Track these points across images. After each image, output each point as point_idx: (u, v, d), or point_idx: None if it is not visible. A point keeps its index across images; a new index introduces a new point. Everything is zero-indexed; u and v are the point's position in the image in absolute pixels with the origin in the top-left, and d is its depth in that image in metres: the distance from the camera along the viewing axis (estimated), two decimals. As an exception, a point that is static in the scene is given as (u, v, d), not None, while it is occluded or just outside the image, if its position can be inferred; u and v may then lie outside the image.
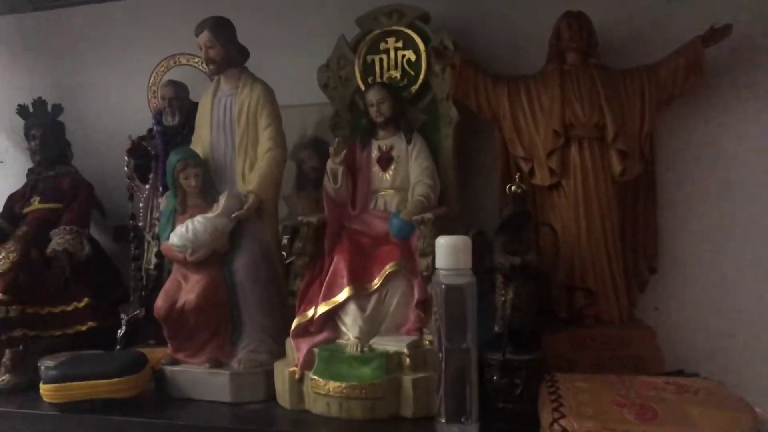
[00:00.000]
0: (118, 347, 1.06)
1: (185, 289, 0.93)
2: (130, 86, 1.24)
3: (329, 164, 0.96)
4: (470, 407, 0.74)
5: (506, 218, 0.86)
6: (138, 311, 1.07)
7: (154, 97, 1.18)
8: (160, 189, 1.10)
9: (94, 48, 1.28)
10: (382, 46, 1.04)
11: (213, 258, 0.93)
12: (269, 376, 0.90)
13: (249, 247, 0.94)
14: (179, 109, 1.11)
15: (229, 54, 0.96)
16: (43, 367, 0.97)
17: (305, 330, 0.89)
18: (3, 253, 1.08)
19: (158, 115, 1.12)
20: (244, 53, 0.98)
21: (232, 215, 0.92)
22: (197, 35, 0.95)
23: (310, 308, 0.89)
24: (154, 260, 1.10)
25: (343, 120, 1.05)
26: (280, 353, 0.93)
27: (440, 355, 0.73)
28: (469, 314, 0.74)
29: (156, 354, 0.97)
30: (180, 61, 1.16)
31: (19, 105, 1.17)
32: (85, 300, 1.10)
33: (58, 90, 1.25)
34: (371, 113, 0.97)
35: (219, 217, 0.92)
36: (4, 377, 0.97)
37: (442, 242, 0.74)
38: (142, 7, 1.25)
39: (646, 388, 0.73)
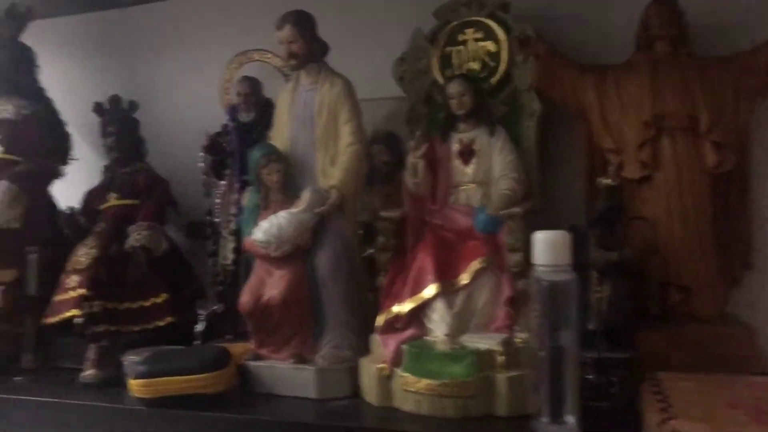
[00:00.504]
0: (197, 342, 1.07)
1: (269, 284, 0.93)
2: (202, 83, 1.24)
3: (410, 158, 0.94)
4: (570, 407, 0.72)
5: (600, 212, 0.83)
6: (216, 306, 1.08)
7: (227, 94, 1.18)
8: (236, 185, 1.10)
9: (166, 45, 1.29)
10: (461, 37, 1.02)
11: (296, 253, 0.93)
12: (353, 372, 0.89)
13: (331, 243, 0.93)
14: (254, 105, 1.11)
15: (310, 48, 0.95)
16: (128, 363, 0.98)
17: (391, 326, 0.88)
18: (83, 249, 1.10)
19: (233, 112, 1.12)
20: (325, 48, 0.97)
21: (315, 211, 0.92)
22: (279, 29, 0.94)
23: (395, 304, 0.88)
24: (231, 256, 1.10)
25: (419, 113, 1.04)
26: (363, 349, 0.92)
27: (541, 353, 0.72)
28: (571, 311, 0.72)
29: (236, 349, 0.97)
30: (253, 57, 1.16)
31: (95, 103, 1.19)
32: (163, 295, 1.11)
33: (131, 87, 1.26)
34: (452, 106, 0.95)
35: (303, 213, 0.92)
36: (89, 372, 0.98)
37: (541, 237, 0.72)
38: (213, 4, 1.25)
39: (759, 389, 0.71)
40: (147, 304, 1.11)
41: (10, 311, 1.07)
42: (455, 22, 1.02)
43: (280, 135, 0.99)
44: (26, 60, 1.20)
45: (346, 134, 0.94)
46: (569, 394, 0.72)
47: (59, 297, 1.07)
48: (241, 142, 1.10)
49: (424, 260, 0.88)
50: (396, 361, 0.84)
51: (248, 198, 0.98)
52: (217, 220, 1.12)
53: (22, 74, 1.19)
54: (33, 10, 1.20)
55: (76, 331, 1.00)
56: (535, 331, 0.73)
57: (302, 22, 0.94)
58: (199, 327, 1.08)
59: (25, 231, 1.12)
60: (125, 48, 1.32)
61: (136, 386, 0.88)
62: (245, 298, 0.92)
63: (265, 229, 0.92)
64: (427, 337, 0.86)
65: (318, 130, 0.95)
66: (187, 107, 1.27)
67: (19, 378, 1.03)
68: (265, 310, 0.92)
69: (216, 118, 1.19)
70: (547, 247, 0.72)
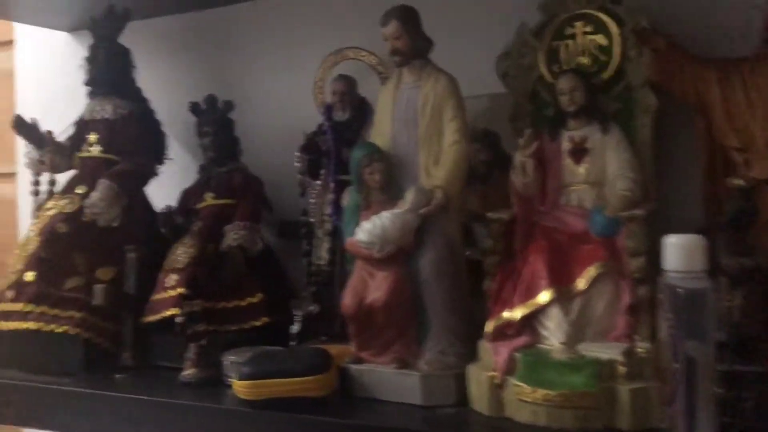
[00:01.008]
0: (292, 343, 1.06)
1: (372, 286, 0.91)
2: (295, 82, 1.23)
3: (518, 157, 0.91)
4: (704, 423, 0.67)
5: (732, 215, 0.78)
6: (312, 307, 1.06)
7: (321, 93, 1.17)
8: (331, 185, 1.08)
9: (260, 44, 1.29)
10: (568, 31, 0.97)
11: (399, 255, 0.90)
12: (460, 379, 0.86)
13: (435, 244, 0.90)
14: (350, 104, 1.09)
15: (415, 45, 0.93)
16: (228, 363, 0.98)
17: (502, 333, 0.84)
18: (181, 249, 1.11)
19: (328, 111, 1.11)
20: (429, 44, 0.94)
21: (420, 211, 0.89)
22: (383, 25, 0.92)
23: (505, 310, 0.85)
24: (326, 256, 1.09)
25: (523, 111, 1.00)
26: (468, 355, 0.89)
27: (675, 366, 0.67)
28: (707, 321, 0.67)
29: (334, 351, 0.95)
30: (347, 56, 1.14)
31: (191, 102, 1.19)
32: (259, 295, 1.11)
33: (225, 87, 1.26)
34: (562, 102, 0.91)
35: (407, 213, 0.89)
36: (189, 371, 0.98)
37: (674, 241, 0.68)
38: (306, 2, 1.24)
39: None
40: (243, 303, 1.10)
41: (110, 309, 1.08)
42: (563, 16, 0.98)
43: (381, 134, 0.96)
44: (124, 61, 1.21)
45: (450, 132, 0.91)
46: (704, 409, 0.67)
47: (158, 296, 1.08)
48: (337, 142, 1.09)
49: (536, 264, 0.84)
50: (508, 369, 0.81)
51: (349, 198, 0.96)
52: (311, 220, 1.11)
53: (120, 75, 1.20)
54: (131, 11, 1.22)
55: (176, 330, 1.00)
56: (667, 342, 0.68)
57: (407, 18, 0.92)
58: (295, 328, 1.07)
59: (124, 230, 1.13)
60: (219, 47, 1.33)
61: (240, 387, 0.87)
62: (348, 300, 0.90)
63: (368, 230, 0.90)
64: (542, 345, 0.82)
65: (421, 129, 0.92)
66: (280, 106, 1.27)
67: (120, 375, 1.04)
68: (368, 313, 0.90)
69: (309, 117, 1.18)
70: (681, 252, 0.67)
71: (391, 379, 0.88)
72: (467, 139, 0.92)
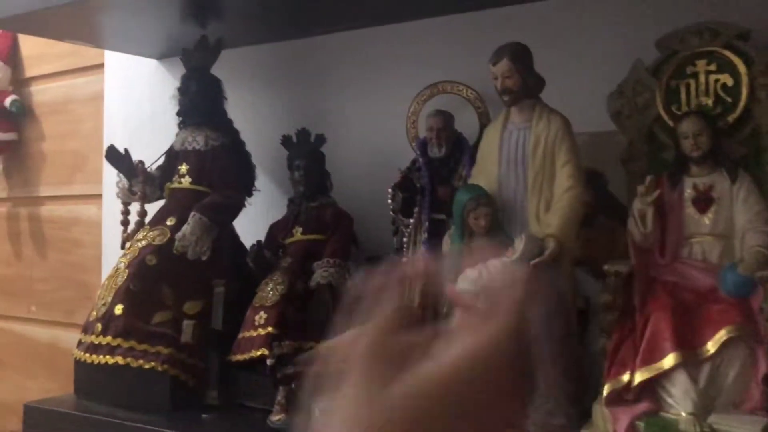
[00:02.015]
0: (381, 389, 1.01)
1: (475, 339, 0.85)
2: (386, 115, 1.20)
3: (636, 204, 0.84)
4: None
5: None
6: (404, 352, 1.02)
7: (414, 127, 1.13)
8: (425, 224, 1.04)
9: (349, 75, 1.26)
10: (690, 69, 0.91)
11: (504, 307, 0.85)
12: (570, 443, 0.81)
13: (544, 297, 0.85)
14: (446, 140, 1.05)
15: (526, 84, 0.88)
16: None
17: (619, 397, 0.78)
18: (271, 285, 1.08)
19: (423, 146, 1.07)
20: (541, 83, 0.89)
21: (531, 261, 0.84)
22: (494, 63, 0.88)
23: (624, 372, 0.78)
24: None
25: (638, 152, 0.93)
26: (578, 418, 0.83)
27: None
28: None
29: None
30: (444, 89, 1.10)
31: (283, 136, 1.17)
32: (347, 336, 1.07)
33: (313, 119, 1.23)
34: (686, 147, 0.85)
35: (516, 263, 0.84)
36: (279, 416, 0.95)
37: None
38: (400, 34, 1.21)
39: None
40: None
41: (196, 345, 1.06)
42: (683, 53, 0.91)
43: (486, 175, 0.92)
44: (216, 91, 1.20)
45: (564, 177, 0.86)
46: None
47: (246, 333, 1.05)
48: (432, 179, 1.05)
49: (659, 324, 0.78)
50: (629, 438, 0.75)
51: (450, 242, 0.92)
52: (404, 259, 1.06)
53: (211, 106, 1.19)
54: (222, 41, 1.21)
55: (266, 372, 0.97)
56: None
57: (520, 56, 0.87)
58: (385, 373, 1.02)
59: (212, 264, 1.11)
60: (309, 78, 1.30)
61: (336, 442, 0.83)
62: (450, 352, 0.85)
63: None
64: (666, 414, 0.75)
65: (531, 172, 0.88)
66: (370, 141, 1.23)
67: (207, 415, 1.02)
68: (472, 368, 0.85)
69: (399, 153, 1.15)
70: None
71: (494, 440, 0.83)
72: (582, 184, 0.86)
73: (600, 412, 0.79)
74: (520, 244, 0.84)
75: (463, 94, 1.09)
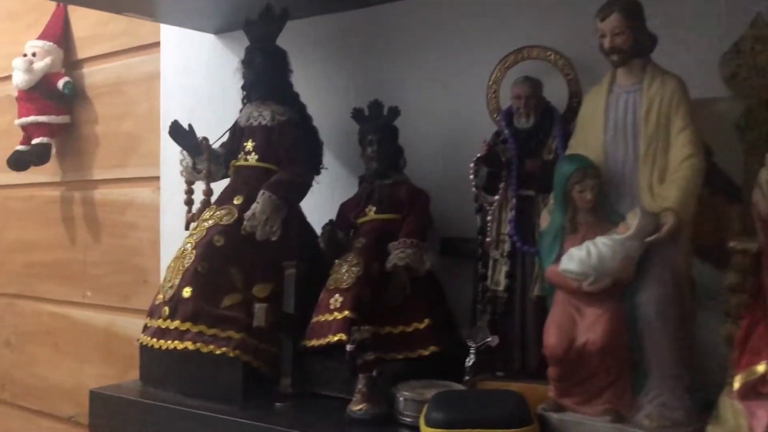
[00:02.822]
0: (466, 378, 0.94)
1: (582, 325, 0.78)
2: (461, 85, 1.12)
3: (765, 175, 0.75)
4: None
5: None
6: (490, 339, 0.94)
7: (495, 97, 1.05)
8: (512, 200, 0.96)
9: (421, 43, 1.18)
10: (821, 24, 0.82)
11: (614, 289, 0.77)
12: (690, 439, 0.73)
13: (659, 277, 0.76)
14: (534, 110, 0.97)
15: (637, 41, 0.79)
16: (403, 400, 0.87)
17: (753, 390, 0.69)
18: (345, 267, 1.02)
19: (508, 116, 0.99)
20: (653, 41, 0.81)
21: (647, 239, 0.75)
22: (602, 19, 0.79)
23: (758, 362, 0.69)
24: (504, 281, 0.97)
25: (757, 119, 0.84)
26: (696, 410, 0.75)
27: None
28: None
29: (525, 393, 0.83)
30: (530, 55, 1.01)
31: (354, 108, 1.10)
32: (426, 321, 1.00)
33: (382, 91, 1.16)
34: (820, 110, 0.76)
35: (631, 240, 0.76)
36: (361, 406, 0.89)
37: None
38: (479, -2, 1.13)
39: None
40: (409, 329, 1.00)
41: (269, 329, 1.00)
42: (813, 5, 0.82)
43: (589, 144, 0.83)
44: (281, 64, 1.14)
45: (682, 144, 0.77)
46: None
47: (321, 318, 0.99)
48: (519, 152, 0.97)
49: (799, 307, 0.69)
50: (770, 436, 0.66)
51: (550, 219, 0.83)
52: (487, 239, 0.99)
53: (277, 79, 1.13)
54: (288, 11, 1.14)
55: (345, 359, 0.91)
56: None
57: (632, 10, 0.78)
58: (470, 360, 0.95)
59: (282, 244, 1.05)
60: (378, 48, 1.23)
61: (431, 436, 0.76)
62: (554, 340, 0.78)
63: (580, 259, 0.77)
64: (811, 409, 0.67)
65: (644, 139, 0.79)
66: (444, 113, 1.15)
67: (281, 404, 0.96)
68: (580, 357, 0.77)
69: (477, 126, 1.07)
70: None
71: (605, 435, 0.75)
72: (702, 152, 0.78)
73: (730, 406, 0.70)
74: (634, 220, 0.76)
75: (551, 60, 1.01)
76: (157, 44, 1.59)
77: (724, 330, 0.75)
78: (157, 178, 1.59)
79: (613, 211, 0.80)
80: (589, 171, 0.79)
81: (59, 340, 1.83)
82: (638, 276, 0.77)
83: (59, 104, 1.77)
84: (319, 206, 1.20)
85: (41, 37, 1.79)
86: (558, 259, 0.80)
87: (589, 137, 0.83)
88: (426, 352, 0.98)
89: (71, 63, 1.79)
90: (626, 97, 0.81)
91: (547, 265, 0.82)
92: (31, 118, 1.75)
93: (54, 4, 1.78)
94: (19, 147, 1.77)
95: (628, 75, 0.81)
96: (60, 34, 1.80)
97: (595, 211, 0.80)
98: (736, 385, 0.70)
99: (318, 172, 1.14)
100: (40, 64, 1.75)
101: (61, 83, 1.75)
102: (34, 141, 1.76)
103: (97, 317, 1.74)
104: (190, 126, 1.13)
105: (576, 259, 0.77)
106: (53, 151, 1.79)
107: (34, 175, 1.83)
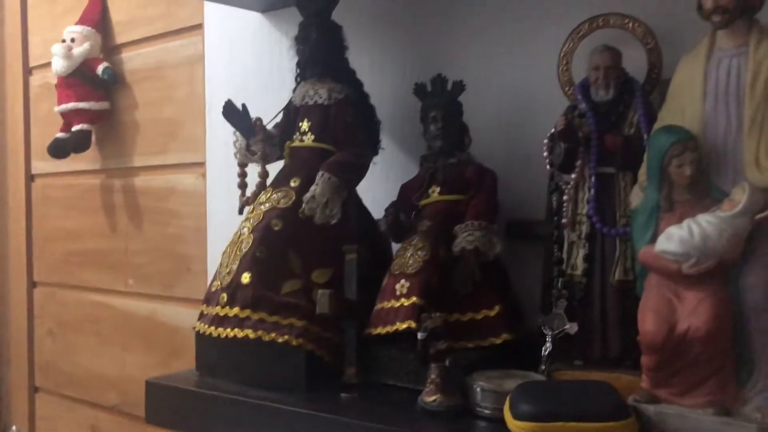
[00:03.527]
0: (542, 367, 0.89)
1: (682, 310, 0.72)
2: (530, 56, 1.06)
3: None
4: None
5: None
6: (568, 326, 0.89)
7: (567, 69, 0.99)
8: (592, 179, 0.90)
9: (484, 13, 1.11)
10: None
11: (717, 271, 0.71)
12: (810, 435, 0.67)
13: (766, 259, 0.70)
14: (615, 81, 0.90)
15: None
16: (480, 390, 0.82)
17: None
18: (411, 250, 0.96)
19: (585, 89, 0.93)
20: (761, -1, 0.74)
21: (757, 216, 0.69)
22: (707, -27, 0.73)
23: None
24: (582, 265, 0.91)
25: None
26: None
27: None
28: None
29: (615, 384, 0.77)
30: (606, 23, 0.95)
31: (416, 84, 1.04)
32: (497, 307, 0.95)
33: (442, 65, 1.10)
34: None
35: (738, 218, 0.69)
36: (434, 397, 0.84)
37: None
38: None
39: None
40: (479, 317, 0.95)
41: (333, 317, 0.95)
42: None
43: (685, 115, 0.76)
44: (337, 39, 1.08)
45: (794, 113, 0.71)
46: None
47: (387, 304, 0.94)
48: (598, 126, 0.91)
49: None
50: None
51: (643, 196, 0.77)
52: (564, 221, 0.93)
53: (333, 55, 1.07)
54: (343, -17, 1.09)
55: (418, 347, 0.86)
56: None
57: (739, -35, 0.72)
58: (547, 349, 0.90)
59: (341, 228, 1.00)
60: (437, 20, 1.16)
61: (522, 429, 0.71)
62: (652, 326, 0.72)
63: (681, 238, 0.71)
64: None
65: (750, 108, 0.72)
66: (510, 88, 1.09)
67: (347, 395, 0.91)
68: (680, 345, 0.71)
69: (546, 101, 1.01)
70: None
71: (709, 429, 0.69)
72: (818, 121, 0.71)
73: None
74: (742, 195, 0.70)
75: (629, 28, 0.94)
76: (197, 27, 1.55)
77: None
78: (201, 164, 1.55)
79: (715, 188, 0.74)
80: (689, 144, 0.73)
81: (101, 329, 1.81)
82: (744, 257, 0.71)
83: (99, 90, 1.73)
84: (374, 188, 1.16)
85: (80, 22, 1.75)
86: (653, 240, 0.74)
87: (686, 107, 0.77)
88: (498, 341, 0.93)
89: (110, 48, 1.76)
90: (729, 61, 0.74)
91: (640, 246, 0.76)
92: (71, 105, 1.72)
93: (92, -12, 1.75)
94: (59, 134, 1.75)
95: (732, 37, 0.74)
96: (98, 18, 1.77)
97: (693, 187, 0.74)
98: None
99: (377, 152, 1.09)
100: (79, 50, 1.71)
101: (100, 69, 1.72)
102: (74, 128, 1.73)
103: (140, 306, 1.71)
104: (243, 106, 1.08)
105: (676, 238, 0.71)
106: (93, 138, 1.76)
107: (74, 162, 1.80)
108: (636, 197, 0.79)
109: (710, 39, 0.76)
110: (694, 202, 0.74)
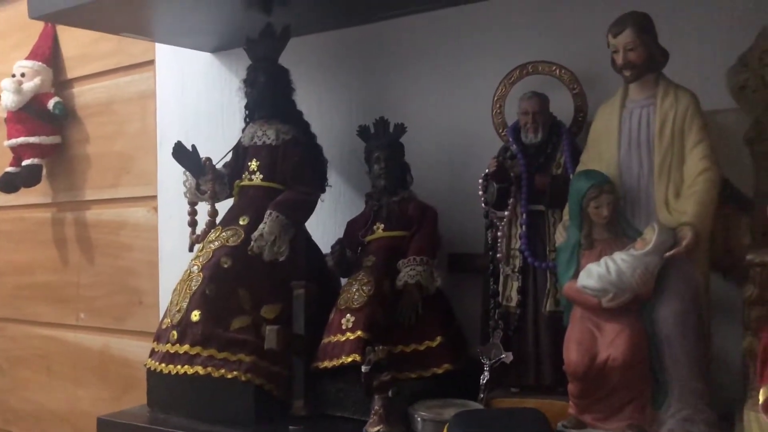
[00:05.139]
0: (481, 396, 0.94)
1: (603, 341, 0.78)
2: (466, 101, 1.13)
3: (778, 187, 0.76)
4: None
5: None
6: (504, 355, 0.94)
7: (500, 112, 1.05)
8: (523, 216, 0.96)
9: (424, 60, 1.18)
10: (826, 36, 0.83)
11: (632, 304, 0.77)
12: (718, 454, 0.73)
13: (678, 292, 0.77)
14: (543, 125, 0.97)
15: (651, 56, 0.80)
16: (421, 420, 0.87)
17: (778, 403, 0.70)
18: (356, 286, 1.01)
19: (515, 132, 0.99)
20: (665, 55, 0.81)
21: (666, 254, 0.76)
22: (615, 35, 0.80)
23: (782, 375, 0.70)
24: (515, 297, 0.97)
25: (766, 130, 0.85)
26: (716, 424, 0.76)
27: None
28: None
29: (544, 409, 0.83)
30: (535, 70, 1.02)
31: (360, 126, 1.10)
32: (438, 338, 0.99)
33: (385, 108, 1.15)
34: (832, 122, 0.77)
35: (649, 256, 0.76)
36: (378, 427, 0.88)
37: None
38: (478, 13, 1.13)
39: None
40: (421, 348, 0.99)
41: (281, 352, 0.98)
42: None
43: (602, 160, 0.83)
44: (284, 82, 1.13)
45: (697, 159, 0.78)
46: None
47: (333, 338, 0.98)
48: (528, 167, 0.97)
49: (819, 320, 0.70)
50: (798, 450, 0.66)
51: (566, 235, 0.84)
52: (498, 255, 0.99)
53: (280, 98, 1.12)
54: (290, 29, 1.14)
55: (363, 380, 0.89)
56: None
57: (645, 26, 0.79)
58: (485, 378, 0.95)
59: (290, 264, 1.04)
60: (380, 66, 1.22)
61: (457, 457, 0.76)
62: (575, 357, 0.78)
63: (599, 275, 0.77)
64: (837, 422, 0.67)
65: (658, 154, 0.79)
66: (447, 129, 1.15)
67: (295, 427, 0.94)
68: (601, 373, 0.77)
69: (481, 142, 1.08)
70: None
71: (629, 451, 0.75)
72: (717, 166, 0.78)
73: (755, 419, 0.70)
74: (652, 235, 0.76)
75: (557, 75, 1.01)
76: (149, 63, 1.58)
77: (744, 343, 0.76)
78: (152, 198, 1.57)
79: (629, 227, 0.81)
80: (605, 187, 0.79)
81: (52, 364, 1.79)
82: (657, 291, 0.77)
83: (49, 125, 1.74)
84: (322, 224, 1.20)
85: (30, 57, 1.76)
86: (575, 275, 0.80)
87: (603, 152, 0.84)
88: (440, 370, 0.98)
89: (61, 83, 1.77)
90: (640, 111, 0.81)
91: (564, 281, 0.82)
92: (21, 140, 1.72)
93: (41, 23, 1.76)
94: (9, 168, 1.74)
95: (641, 90, 0.82)
96: (49, 53, 1.77)
97: (611, 226, 0.81)
98: (761, 398, 0.70)
99: (323, 190, 1.13)
100: (29, 85, 1.72)
101: (51, 103, 1.72)
102: (25, 162, 1.73)
103: (92, 339, 1.71)
104: (193, 147, 1.11)
105: (595, 275, 0.77)
106: (44, 172, 1.76)
107: (24, 196, 1.80)
108: (560, 235, 0.85)
109: (623, 90, 0.83)
110: (612, 240, 0.80)
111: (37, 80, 1.72)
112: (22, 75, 1.72)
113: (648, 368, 0.77)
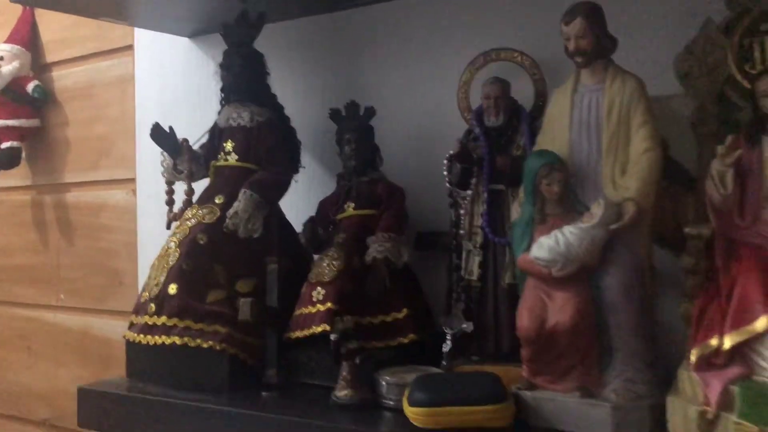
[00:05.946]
0: (444, 363, 1.00)
1: (552, 308, 0.83)
2: (433, 85, 1.18)
3: (716, 166, 0.82)
4: None
5: None
6: (465, 325, 1.00)
7: (465, 97, 1.10)
8: (484, 195, 1.02)
9: (395, 46, 1.23)
10: (764, 27, 0.89)
11: (580, 273, 0.83)
12: (654, 410, 0.79)
13: (622, 262, 0.83)
14: (504, 109, 1.03)
15: (600, 44, 0.85)
16: (386, 384, 0.92)
17: (708, 362, 0.76)
18: (326, 261, 1.06)
19: (479, 116, 1.04)
20: (614, 43, 0.87)
21: (611, 227, 0.82)
22: (567, 23, 0.85)
23: (712, 336, 0.76)
24: (477, 271, 1.02)
25: (709, 115, 0.91)
26: (657, 384, 0.82)
27: None
28: None
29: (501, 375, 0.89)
30: (499, 57, 1.07)
31: (331, 109, 1.14)
32: (404, 310, 1.05)
33: (358, 92, 1.21)
34: (764, 105, 0.82)
35: (595, 228, 0.82)
36: (345, 392, 0.93)
37: None
38: (448, 2, 1.18)
39: None
40: (388, 319, 1.05)
41: (254, 323, 1.03)
42: (757, 11, 0.89)
43: (555, 141, 0.89)
44: (259, 66, 1.17)
45: (641, 139, 0.83)
46: None
47: (305, 310, 1.03)
48: (490, 149, 1.03)
49: (747, 287, 0.76)
50: (723, 404, 0.72)
51: (521, 211, 0.89)
52: (461, 232, 1.04)
53: (255, 81, 1.16)
54: (265, 15, 1.18)
55: (330, 348, 0.95)
56: None
57: (594, 15, 0.85)
58: (447, 346, 1.01)
59: (263, 241, 1.09)
60: (353, 51, 1.27)
61: (415, 414, 0.81)
62: (526, 322, 0.83)
63: (549, 247, 0.83)
64: (759, 377, 0.73)
65: (606, 135, 0.85)
66: (417, 112, 1.21)
67: (267, 394, 1.00)
68: (550, 338, 0.83)
69: (448, 124, 1.13)
70: None
71: (576, 410, 0.81)
72: (659, 146, 0.84)
73: (687, 377, 0.77)
74: (598, 210, 0.82)
75: (518, 61, 1.07)
76: (128, 48, 1.61)
77: (681, 309, 0.82)
78: (131, 180, 1.61)
79: (579, 202, 0.86)
80: (556, 165, 0.85)
81: (33, 344, 1.83)
82: (603, 262, 0.83)
83: (29, 108, 1.77)
84: (297, 204, 1.24)
85: (8, 40, 1.78)
86: (529, 248, 0.86)
87: (556, 134, 0.89)
88: (405, 340, 1.03)
89: (40, 66, 1.79)
90: (590, 96, 0.87)
91: (518, 253, 0.88)
92: (0, 122, 1.75)
93: (20, 7, 1.78)
94: (-12, 151, 1.77)
95: (592, 75, 0.87)
96: (27, 37, 1.80)
97: (562, 202, 0.86)
98: (693, 358, 0.76)
99: (297, 171, 1.18)
100: (8, 68, 1.74)
101: (30, 87, 1.75)
102: (4, 145, 1.75)
103: (72, 320, 1.75)
104: (170, 128, 1.15)
105: (545, 247, 0.83)
106: (23, 155, 1.79)
107: (4, 179, 1.83)
108: (515, 212, 0.91)
109: (575, 76, 0.89)
110: (563, 215, 0.86)
111: (15, 63, 1.75)
112: (1, 59, 1.74)
113: (594, 333, 0.83)
